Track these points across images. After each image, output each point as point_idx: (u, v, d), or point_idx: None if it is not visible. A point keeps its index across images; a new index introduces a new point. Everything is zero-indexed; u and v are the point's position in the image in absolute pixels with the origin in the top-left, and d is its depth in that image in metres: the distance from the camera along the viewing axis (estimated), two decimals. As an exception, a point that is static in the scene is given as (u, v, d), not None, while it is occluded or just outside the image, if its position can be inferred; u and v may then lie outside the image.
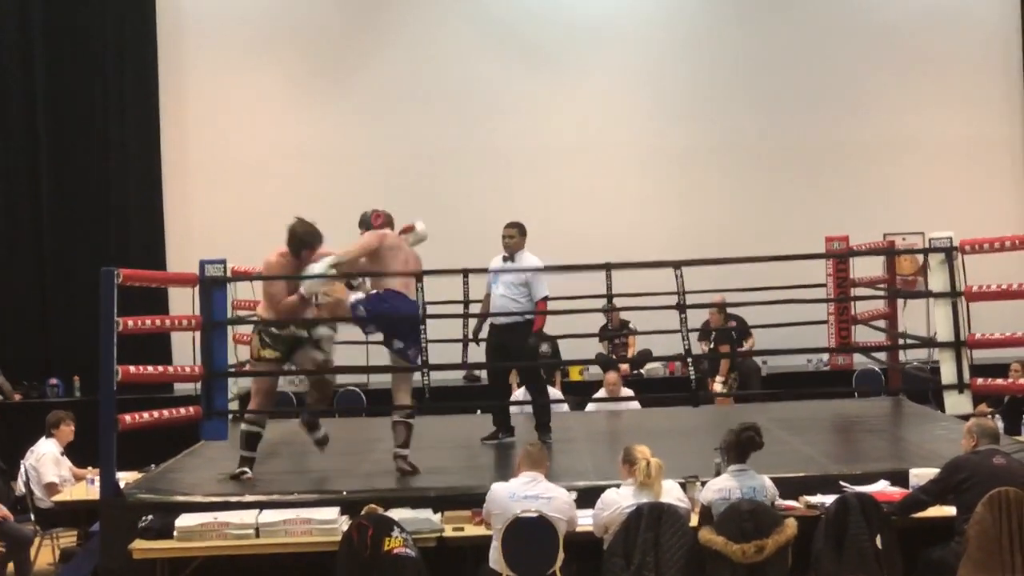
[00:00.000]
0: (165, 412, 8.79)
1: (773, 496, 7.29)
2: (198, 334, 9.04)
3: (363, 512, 7.30)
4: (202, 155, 15.54)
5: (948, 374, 8.99)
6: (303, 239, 8.77)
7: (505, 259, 9.86)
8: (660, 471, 7.15)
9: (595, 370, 14.25)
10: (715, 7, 15.97)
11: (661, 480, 7.15)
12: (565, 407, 11.70)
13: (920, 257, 11.18)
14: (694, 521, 7.25)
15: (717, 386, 12.98)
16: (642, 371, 14.35)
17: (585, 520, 7.34)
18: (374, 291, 8.87)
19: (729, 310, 13.56)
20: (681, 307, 9.04)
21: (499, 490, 7.30)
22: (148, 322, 8.97)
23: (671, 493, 7.20)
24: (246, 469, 8.66)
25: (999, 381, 9.70)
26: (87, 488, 9.48)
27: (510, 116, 15.60)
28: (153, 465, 9.52)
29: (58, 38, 15.23)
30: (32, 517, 10.07)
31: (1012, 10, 15.73)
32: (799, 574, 7.17)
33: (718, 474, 7.43)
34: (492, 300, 9.86)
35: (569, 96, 15.64)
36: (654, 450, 7.35)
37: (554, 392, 12.37)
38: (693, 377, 9.54)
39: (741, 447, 7.28)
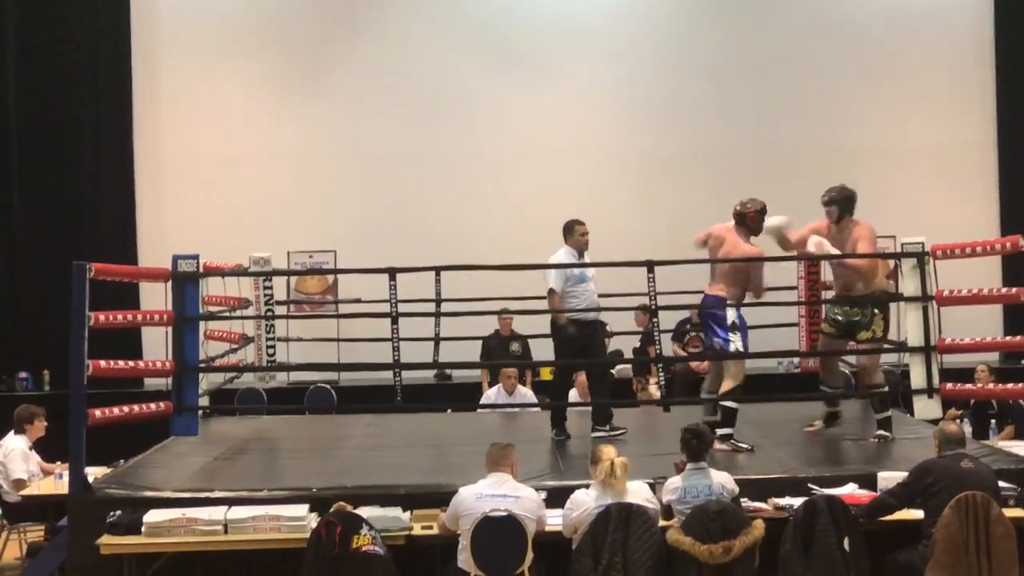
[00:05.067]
0: (135, 407, 8.74)
1: (731, 493, 7.35)
2: (170, 329, 9.02)
3: (332, 509, 7.28)
4: (175, 151, 15.46)
5: (918, 378, 9.02)
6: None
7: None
8: (625, 471, 7.16)
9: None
10: (688, 12, 15.95)
11: (626, 480, 7.17)
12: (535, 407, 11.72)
13: (891, 261, 11.20)
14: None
15: (652, 387, 12.88)
16: (613, 372, 14.34)
17: (554, 520, 7.35)
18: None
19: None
20: (654, 309, 9.03)
21: (465, 492, 7.29)
22: (119, 317, 8.92)
23: (639, 494, 7.21)
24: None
25: (968, 386, 9.73)
26: (55, 483, 9.43)
27: (481, 117, 15.54)
28: (122, 460, 9.47)
29: (31, 34, 15.09)
30: (-1, 511, 10.02)
31: (985, 15, 15.74)
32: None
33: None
34: (590, 296, 9.68)
35: (541, 98, 15.57)
36: (624, 450, 7.37)
37: (525, 391, 12.38)
38: (663, 380, 9.58)
39: (686, 448, 7.45)
